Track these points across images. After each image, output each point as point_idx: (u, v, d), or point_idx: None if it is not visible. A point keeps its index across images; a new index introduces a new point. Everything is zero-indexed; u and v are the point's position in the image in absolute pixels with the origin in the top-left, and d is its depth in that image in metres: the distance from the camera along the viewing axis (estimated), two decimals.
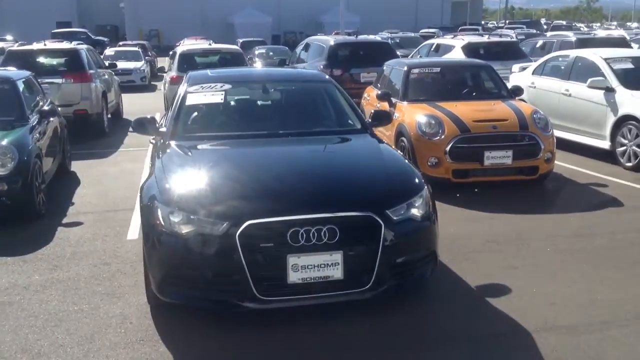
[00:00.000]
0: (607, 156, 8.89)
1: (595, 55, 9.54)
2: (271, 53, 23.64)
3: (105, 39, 41.04)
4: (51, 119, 8.01)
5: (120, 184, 8.22)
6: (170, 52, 29.21)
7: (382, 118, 5.44)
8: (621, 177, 8.03)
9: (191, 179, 4.13)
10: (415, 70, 8.47)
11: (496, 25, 35.12)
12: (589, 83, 9.05)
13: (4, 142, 6.42)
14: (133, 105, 15.94)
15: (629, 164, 8.42)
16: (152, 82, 24.15)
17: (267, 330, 3.95)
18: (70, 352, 3.81)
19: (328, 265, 3.68)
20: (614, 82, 8.86)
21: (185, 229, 3.77)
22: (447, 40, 14.14)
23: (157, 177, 4.23)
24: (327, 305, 3.99)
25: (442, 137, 7.15)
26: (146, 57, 24.80)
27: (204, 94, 5.28)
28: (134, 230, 6.19)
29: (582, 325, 3.97)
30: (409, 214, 3.92)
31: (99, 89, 12.21)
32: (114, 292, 4.69)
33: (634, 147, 8.37)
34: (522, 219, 6.34)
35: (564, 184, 7.80)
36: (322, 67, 11.83)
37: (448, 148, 7.07)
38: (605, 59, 9.27)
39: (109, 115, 13.21)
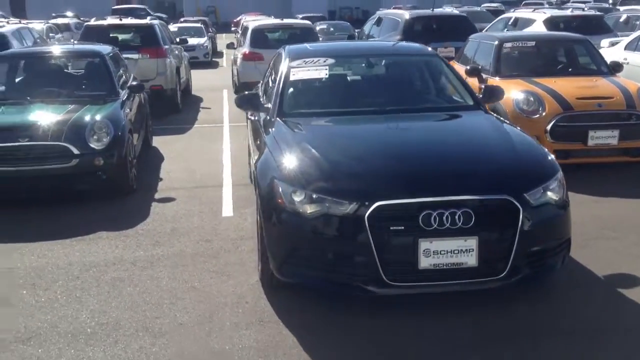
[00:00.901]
0: None
1: None
2: (332, 29, 23.29)
3: (164, 15, 41.35)
4: (138, 94, 8.00)
5: (204, 161, 8.19)
6: (233, 28, 29.19)
7: (495, 94, 5.16)
8: None
9: (311, 156, 3.96)
10: (508, 44, 8.10)
11: None
12: None
13: (99, 117, 6.42)
14: (199, 81, 15.95)
15: None
16: (214, 59, 24.27)
17: (392, 317, 3.79)
18: (192, 331, 3.73)
19: (462, 251, 3.47)
20: None
21: (310, 209, 3.62)
22: (526, 13, 13.55)
23: (274, 155, 4.09)
24: (449, 294, 3.82)
25: (543, 114, 6.80)
26: (208, 34, 24.85)
27: (308, 69, 5.11)
28: (228, 208, 6.13)
29: None
30: (546, 198, 3.67)
31: (173, 64, 12.20)
32: (223, 271, 4.61)
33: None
34: (630, 203, 5.98)
35: None
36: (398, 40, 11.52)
37: (549, 127, 6.71)
38: None
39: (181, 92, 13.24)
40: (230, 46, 15.32)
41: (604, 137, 6.71)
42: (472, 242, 3.47)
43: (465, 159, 3.97)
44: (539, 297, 3.97)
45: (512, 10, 17.35)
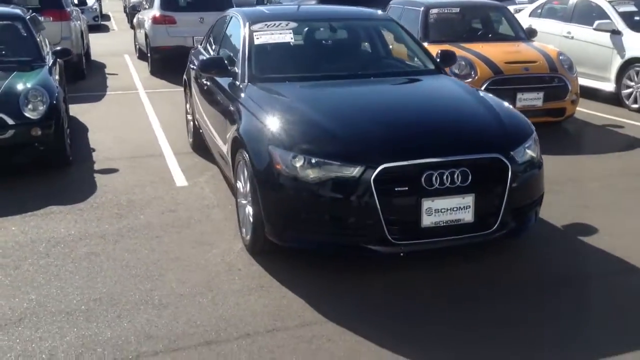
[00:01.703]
0: (610, 98, 9.15)
1: None
2: None
3: None
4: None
5: (133, 129, 7.90)
6: None
7: (450, 58, 5.36)
8: (631, 119, 8.30)
9: (305, 121, 3.97)
10: (434, 11, 8.37)
11: None
12: (595, 25, 9.20)
13: (30, 84, 5.99)
14: (96, 46, 15.14)
15: (635, 106, 8.70)
16: (102, 22, 23.09)
17: (386, 273, 3.94)
18: (195, 301, 3.68)
19: (460, 208, 3.66)
20: (620, 24, 9.05)
21: (312, 174, 3.64)
22: None
23: (262, 120, 4.05)
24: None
25: (475, 78, 7.15)
26: None
27: (272, 33, 5.05)
28: (179, 177, 5.99)
29: None
30: (527, 156, 3.92)
31: (78, 28, 11.53)
32: (201, 240, 4.54)
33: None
34: (562, 160, 6.46)
35: (583, 126, 8.01)
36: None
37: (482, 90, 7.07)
38: (610, 2, 9.42)
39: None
40: (133, 8, 14.60)
41: (530, 99, 7.18)
42: (469, 200, 3.66)
43: (455, 121, 4.14)
44: (510, 252, 4.25)
45: None
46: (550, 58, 7.50)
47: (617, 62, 8.98)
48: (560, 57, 7.62)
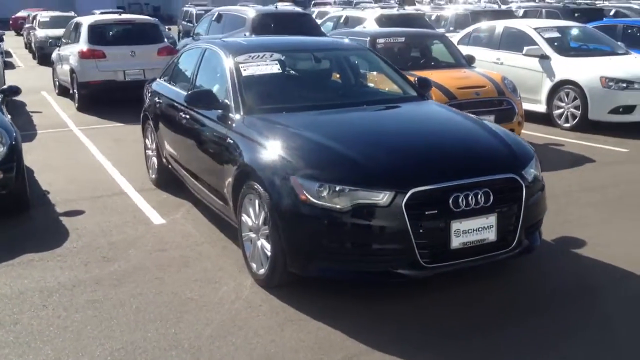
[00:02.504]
0: (541, 119, 9.70)
1: (525, 25, 10.31)
2: None
3: None
4: None
5: (82, 168, 7.55)
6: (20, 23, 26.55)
7: (427, 85, 5.52)
8: (566, 137, 8.85)
9: (322, 149, 3.96)
10: (381, 40, 8.58)
11: None
12: (525, 51, 9.78)
13: None
14: (8, 84, 14.34)
15: (567, 125, 9.28)
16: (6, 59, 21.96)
17: (409, 296, 3.96)
18: (230, 342, 3.53)
19: (484, 228, 3.75)
20: (547, 50, 9.67)
21: (341, 203, 3.62)
22: (357, 12, 14.38)
23: (277, 152, 3.99)
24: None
25: None
26: None
27: (257, 65, 5.00)
28: (154, 215, 5.76)
29: None
30: (533, 176, 4.08)
31: (1, 63, 10.92)
32: (205, 278, 4.37)
33: (572, 109, 9.25)
34: None
35: None
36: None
37: None
38: (535, 29, 10.06)
39: None
40: (52, 44, 14.01)
41: None
42: (492, 219, 3.77)
43: (467, 144, 4.25)
44: (508, 271, 4.38)
45: (342, 8, 18.21)
46: (496, 82, 7.88)
47: (548, 85, 9.57)
48: (505, 81, 8.02)
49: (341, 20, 14.35)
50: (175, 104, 5.71)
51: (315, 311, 3.81)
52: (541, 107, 9.67)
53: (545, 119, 9.66)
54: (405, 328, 3.64)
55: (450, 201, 3.65)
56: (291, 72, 5.31)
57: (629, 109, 8.85)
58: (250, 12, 12.26)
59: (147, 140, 6.85)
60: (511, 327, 3.67)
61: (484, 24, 11.48)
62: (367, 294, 4.02)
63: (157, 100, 6.27)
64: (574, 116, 9.23)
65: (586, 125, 9.06)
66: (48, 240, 5.17)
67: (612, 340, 3.51)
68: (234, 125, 4.57)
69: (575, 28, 10.77)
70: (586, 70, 9.16)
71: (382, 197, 3.59)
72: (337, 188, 3.65)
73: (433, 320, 3.73)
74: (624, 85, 8.81)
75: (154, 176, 6.69)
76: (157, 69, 11.50)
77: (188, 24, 23.43)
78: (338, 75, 5.50)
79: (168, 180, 6.48)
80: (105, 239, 5.17)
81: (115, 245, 5.03)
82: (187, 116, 5.34)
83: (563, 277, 4.30)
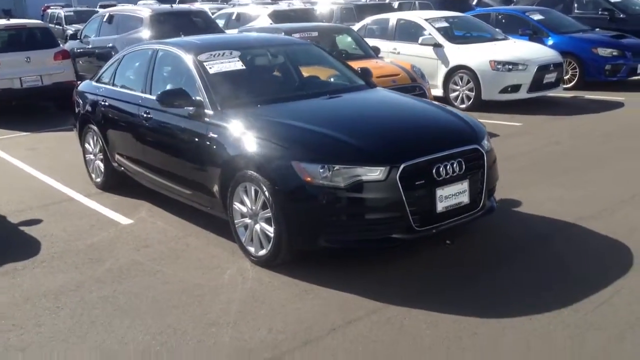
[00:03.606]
0: (439, 101, 10.62)
1: (417, 17, 11.22)
2: None
3: None
4: None
5: (12, 179, 7.41)
6: None
7: (369, 73, 6.07)
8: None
9: (316, 134, 4.36)
10: (296, 35, 8.96)
11: None
12: (420, 41, 10.67)
13: None
14: None
15: (463, 106, 10.27)
16: None
17: (401, 257, 4.50)
18: (261, 313, 3.87)
19: (460, 193, 4.36)
20: (440, 39, 10.62)
21: (343, 181, 4.07)
22: (249, 8, 14.69)
23: (273, 140, 4.34)
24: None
25: None
26: None
27: (221, 62, 5.29)
28: (117, 216, 5.86)
29: (591, 212, 5.29)
30: (488, 146, 4.75)
31: None
32: (204, 266, 4.65)
33: (466, 92, 10.26)
34: None
35: None
36: (147, 38, 11.55)
37: None
38: (426, 20, 10.99)
39: None
40: None
41: None
42: (465, 185, 4.39)
43: (436, 121, 4.83)
44: (476, 226, 5.06)
45: (232, 5, 18.31)
46: (407, 70, 8.62)
47: (443, 70, 10.52)
48: (414, 69, 8.80)
49: (233, 17, 14.60)
50: (131, 106, 5.82)
51: (325, 281, 4.23)
52: (438, 91, 10.59)
53: (442, 101, 10.57)
54: (407, 285, 4.17)
55: (434, 171, 4.22)
56: (252, 67, 5.62)
57: (516, 88, 9.99)
58: (144, 11, 12.21)
59: (87, 145, 6.84)
60: (491, 273, 4.33)
61: (377, 17, 12.27)
62: (362, 261, 4.50)
63: (103, 104, 6.31)
64: (468, 97, 10.24)
65: (480, 105, 10.09)
66: (21, 249, 5.15)
67: (568, 272, 4.26)
68: (212, 120, 4.84)
69: (459, 18, 11.83)
70: (476, 56, 10.20)
71: (379, 173, 4.09)
72: (337, 167, 4.09)
73: (427, 276, 4.30)
74: (510, 67, 9.93)
75: (98, 180, 6.71)
76: (56, 74, 11.30)
77: (57, 26, 22.46)
78: (292, 69, 5.90)
79: (116, 183, 6.56)
80: (81, 242, 5.24)
81: (95, 247, 5.13)
82: (150, 116, 5.50)
83: (517, 231, 5.05)
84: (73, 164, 7.72)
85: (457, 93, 10.39)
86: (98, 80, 6.73)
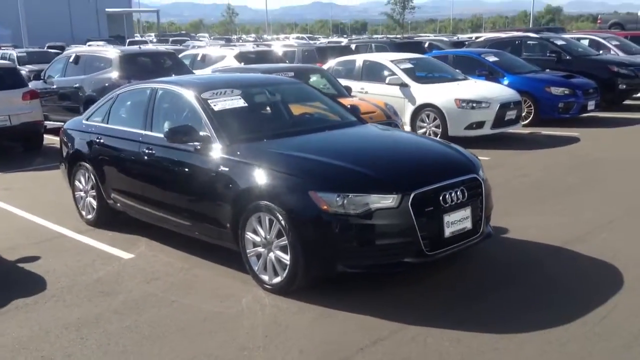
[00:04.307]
0: None
1: (383, 58, 11.73)
2: None
3: None
4: None
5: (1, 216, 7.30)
6: None
7: (358, 110, 6.40)
8: None
9: (328, 166, 4.61)
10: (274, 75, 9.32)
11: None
12: (388, 81, 11.15)
13: None
14: None
15: None
16: None
17: (410, 280, 4.75)
18: (288, 336, 4.02)
19: (464, 218, 4.67)
20: (406, 79, 11.13)
21: (358, 208, 4.32)
22: (215, 50, 14.97)
23: (288, 172, 4.57)
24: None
25: None
26: None
27: (225, 100, 5.50)
28: (117, 252, 5.89)
29: (574, 237, 5.68)
30: (483, 176, 5.10)
31: None
32: (219, 295, 4.76)
33: (433, 128, 10.74)
34: None
35: None
36: (116, 78, 11.68)
37: None
38: (392, 61, 11.51)
39: None
40: None
41: None
42: (468, 211, 4.70)
43: (437, 153, 5.16)
44: (471, 252, 5.36)
45: (187, 46, 18.49)
46: (382, 108, 9.04)
47: (410, 108, 11.00)
48: (387, 107, 9.23)
49: (198, 58, 14.83)
50: (130, 143, 5.94)
51: (340, 305, 4.43)
52: (407, 128, 11.02)
53: None
54: (420, 306, 4.42)
55: (441, 198, 4.52)
56: (254, 104, 5.86)
57: (480, 125, 10.52)
58: (112, 52, 12.32)
59: (78, 183, 6.86)
60: (495, 293, 4.62)
61: (343, 59, 12.75)
62: (371, 285, 4.72)
63: (97, 141, 6.40)
64: (435, 134, 10.70)
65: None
66: (26, 285, 5.15)
67: (565, 291, 4.59)
68: (222, 154, 5.03)
69: (421, 59, 12.41)
70: (441, 95, 10.73)
71: (392, 200, 4.36)
72: (352, 196, 4.34)
73: (436, 297, 4.56)
74: (474, 105, 10.48)
75: (90, 217, 6.74)
76: (24, 114, 11.23)
77: None
78: (289, 106, 6.17)
79: (108, 220, 6.61)
80: (87, 277, 5.27)
81: (102, 281, 5.17)
82: (152, 152, 5.63)
83: (510, 256, 5.39)
84: (55, 202, 7.71)
85: (424, 130, 10.85)
86: (88, 119, 6.82)
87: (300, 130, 5.56)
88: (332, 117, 6.09)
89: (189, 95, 5.59)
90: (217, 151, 5.09)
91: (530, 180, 8.12)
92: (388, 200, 4.36)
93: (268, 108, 6.06)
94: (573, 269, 5.04)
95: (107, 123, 6.49)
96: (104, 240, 6.23)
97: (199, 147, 5.19)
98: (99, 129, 6.51)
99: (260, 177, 4.70)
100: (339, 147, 5.21)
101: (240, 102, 5.57)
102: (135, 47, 13.07)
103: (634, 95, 14.90)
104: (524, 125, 12.04)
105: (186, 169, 5.32)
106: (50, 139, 12.43)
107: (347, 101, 8.77)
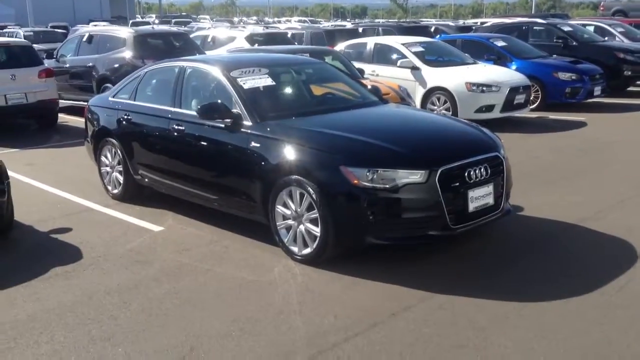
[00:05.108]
0: None
1: (394, 41, 11.88)
2: None
3: None
4: None
5: (19, 192, 7.45)
6: None
7: (379, 91, 6.59)
8: None
9: (358, 142, 4.81)
10: None
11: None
12: (399, 64, 11.30)
13: None
14: None
15: None
16: None
17: (430, 253, 4.97)
18: (322, 302, 4.25)
19: (487, 194, 4.88)
20: (417, 62, 11.29)
21: (387, 182, 4.52)
22: (226, 31, 15.10)
23: (320, 148, 4.77)
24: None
25: None
26: None
27: (253, 78, 5.68)
28: (146, 224, 6.10)
29: (587, 215, 5.90)
30: (504, 154, 5.31)
31: None
32: (251, 265, 4.98)
33: (443, 111, 10.92)
34: None
35: None
36: (130, 57, 11.83)
37: None
38: (403, 44, 11.66)
39: None
40: None
41: None
42: (491, 187, 4.91)
43: (461, 131, 5.36)
44: (491, 228, 5.58)
45: (196, 28, 18.61)
46: (396, 90, 9.22)
47: (421, 91, 11.17)
48: (401, 89, 9.40)
49: (208, 40, 14.95)
50: (159, 119, 6.12)
51: (368, 274, 4.66)
52: None
53: None
54: (444, 276, 4.65)
55: (466, 175, 4.72)
56: (280, 83, 6.03)
57: (490, 108, 10.70)
58: (126, 32, 12.45)
59: (104, 159, 7.04)
60: (514, 265, 4.86)
61: (354, 41, 12.90)
62: (396, 256, 4.95)
63: (125, 117, 6.57)
64: None
65: None
66: (62, 254, 5.35)
67: (581, 264, 4.83)
68: (253, 131, 5.22)
69: (431, 43, 12.56)
70: (452, 78, 10.90)
71: (420, 176, 4.56)
72: (381, 171, 4.54)
73: (458, 269, 4.79)
74: (484, 88, 10.65)
75: (116, 191, 6.93)
76: (40, 92, 11.39)
77: None
78: (314, 85, 6.35)
79: (134, 194, 6.81)
80: (120, 247, 5.49)
81: (136, 251, 5.39)
82: (182, 128, 5.81)
83: (526, 231, 5.62)
84: (79, 178, 7.91)
85: (435, 112, 11.02)
86: (115, 96, 6.99)
87: (326, 109, 5.75)
88: (355, 96, 6.27)
89: (218, 73, 5.77)
90: (247, 128, 5.28)
91: (541, 162, 8.33)
92: (416, 176, 4.56)
93: (295, 87, 6.23)
94: (588, 244, 5.27)
95: (135, 100, 6.66)
96: (132, 213, 6.44)
97: (229, 123, 5.38)
98: (126, 106, 6.68)
99: (292, 153, 4.90)
100: (366, 125, 5.41)
101: (268, 81, 5.75)
102: (148, 27, 13.17)
103: (637, 82, 15.08)
104: (531, 110, 12.22)
105: (217, 145, 5.51)
106: (62, 117, 12.61)
107: (366, 82, 8.95)
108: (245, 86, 5.59)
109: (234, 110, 5.42)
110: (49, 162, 9.20)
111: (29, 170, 8.58)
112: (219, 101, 5.53)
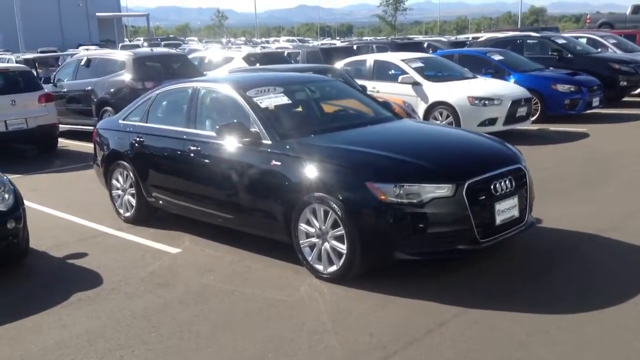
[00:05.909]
0: None
1: (393, 58, 11.94)
2: None
3: None
4: None
5: (30, 218, 7.36)
6: None
7: (391, 106, 6.60)
8: None
9: (381, 158, 4.79)
10: None
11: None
12: (400, 80, 11.34)
13: None
14: None
15: None
16: None
17: (457, 267, 4.94)
18: (354, 321, 4.20)
19: (513, 207, 4.86)
20: (418, 77, 11.34)
21: (414, 197, 4.50)
22: (222, 52, 15.13)
23: (344, 165, 4.74)
24: None
25: None
26: None
27: (269, 97, 5.66)
28: (163, 247, 6.02)
29: (606, 226, 5.88)
30: (525, 166, 5.30)
31: None
32: (277, 285, 4.92)
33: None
34: None
35: None
36: (129, 80, 11.79)
37: None
38: (403, 60, 11.72)
39: None
40: None
41: None
42: (516, 200, 4.90)
43: (483, 145, 5.35)
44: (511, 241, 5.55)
45: (187, 50, 18.58)
46: (401, 106, 9.24)
47: (423, 106, 11.20)
48: (406, 104, 9.42)
49: (205, 61, 14.96)
50: (174, 141, 6.07)
51: (397, 292, 4.60)
52: None
53: None
54: (475, 291, 4.61)
55: (492, 187, 4.71)
56: (296, 101, 6.01)
57: (493, 121, 10.74)
58: (124, 55, 12.42)
59: (115, 182, 6.98)
60: (544, 277, 4.82)
61: (353, 59, 12.94)
62: (423, 272, 4.90)
63: (138, 139, 6.51)
64: None
65: None
66: (82, 280, 5.27)
67: (608, 275, 4.81)
68: (273, 150, 5.18)
69: (430, 58, 12.63)
70: (454, 92, 10.94)
71: (447, 190, 4.54)
72: (408, 186, 4.52)
73: (487, 282, 4.76)
74: (486, 102, 10.70)
75: (128, 214, 6.85)
76: (40, 117, 11.31)
77: None
78: (328, 102, 6.35)
79: (146, 217, 6.74)
80: (141, 270, 5.41)
81: (157, 274, 5.31)
82: (198, 149, 5.77)
83: (549, 243, 5.59)
84: (87, 202, 7.84)
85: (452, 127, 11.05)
86: (125, 119, 6.94)
87: (343, 126, 5.73)
88: (370, 112, 6.26)
89: (234, 93, 5.75)
90: (267, 147, 5.24)
91: (551, 173, 8.34)
92: (443, 190, 4.54)
93: (310, 105, 6.22)
94: (612, 254, 5.26)
95: (147, 122, 6.61)
96: (146, 236, 6.36)
97: (248, 143, 5.34)
98: (138, 128, 6.63)
99: (314, 170, 4.86)
100: (387, 140, 5.39)
101: (284, 99, 5.73)
102: (147, 50, 13.16)
103: (632, 93, 15.21)
104: (532, 122, 12.28)
105: (235, 165, 5.47)
106: (62, 142, 12.52)
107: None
108: (262, 105, 5.56)
109: (253, 130, 5.39)
110: (53, 187, 9.12)
111: (34, 195, 8.46)
112: (238, 121, 5.49)
